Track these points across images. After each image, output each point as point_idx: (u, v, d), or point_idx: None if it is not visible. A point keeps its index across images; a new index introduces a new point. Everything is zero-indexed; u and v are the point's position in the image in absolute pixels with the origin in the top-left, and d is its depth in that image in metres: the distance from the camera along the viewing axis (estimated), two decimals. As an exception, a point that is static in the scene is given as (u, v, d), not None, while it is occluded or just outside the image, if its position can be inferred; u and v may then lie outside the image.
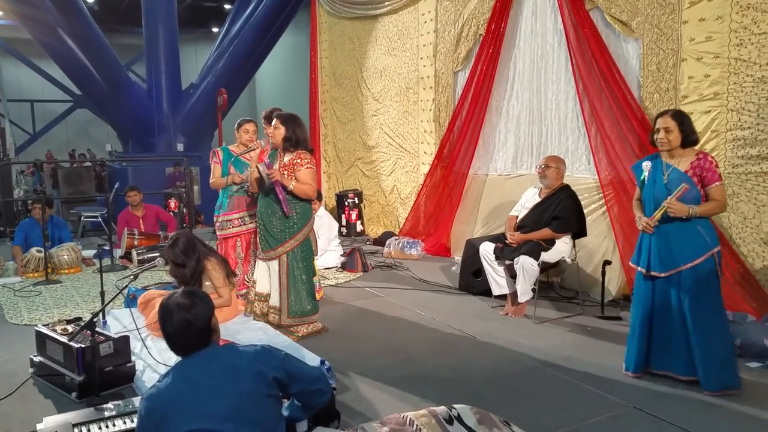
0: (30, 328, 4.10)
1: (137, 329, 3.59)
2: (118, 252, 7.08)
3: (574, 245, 4.76)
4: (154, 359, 3.38)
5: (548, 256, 4.61)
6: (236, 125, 5.02)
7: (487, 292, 5.02)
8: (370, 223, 8.68)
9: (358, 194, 8.61)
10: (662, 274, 3.28)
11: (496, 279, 4.79)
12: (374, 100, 8.38)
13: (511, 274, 4.69)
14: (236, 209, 4.91)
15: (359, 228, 8.57)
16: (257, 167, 4.19)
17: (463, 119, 6.59)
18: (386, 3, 7.91)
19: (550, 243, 4.63)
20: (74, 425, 2.54)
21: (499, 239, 4.89)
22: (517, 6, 6.04)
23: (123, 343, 3.33)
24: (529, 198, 4.91)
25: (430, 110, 7.30)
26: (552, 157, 4.89)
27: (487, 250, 4.82)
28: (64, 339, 3.29)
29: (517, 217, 4.91)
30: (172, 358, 2.40)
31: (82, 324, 3.37)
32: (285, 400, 2.36)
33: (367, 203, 8.69)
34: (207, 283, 4.01)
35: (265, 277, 4.34)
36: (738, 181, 4.23)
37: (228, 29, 13.75)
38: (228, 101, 11.58)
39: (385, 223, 8.37)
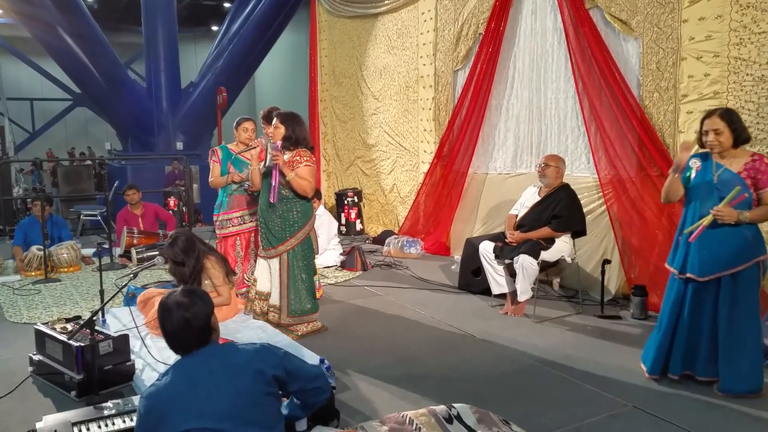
0: (29, 326, 4.10)
1: (137, 328, 3.59)
2: (118, 250, 7.08)
3: (573, 244, 4.75)
4: (153, 358, 3.38)
5: (548, 255, 4.61)
6: (235, 124, 5.01)
7: (486, 291, 5.02)
8: (370, 222, 8.68)
9: (358, 193, 8.61)
10: (701, 279, 3.12)
11: (496, 278, 4.79)
12: (374, 99, 8.38)
13: (511, 273, 4.69)
14: (236, 208, 4.91)
15: (359, 227, 8.57)
16: (267, 142, 4.18)
17: (463, 118, 6.59)
18: (386, 1, 7.90)
19: (549, 242, 4.62)
20: (73, 424, 2.54)
21: (498, 238, 4.88)
22: (516, 5, 6.03)
23: (122, 341, 3.32)
24: (529, 197, 4.91)
25: (430, 109, 7.30)
26: (551, 156, 4.89)
27: (486, 249, 4.82)
28: (63, 337, 3.29)
29: (517, 216, 4.91)
30: (172, 357, 2.40)
31: (82, 322, 3.37)
32: (284, 398, 2.36)
33: (367, 202, 8.69)
34: (206, 281, 4.01)
35: (266, 275, 4.34)
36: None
37: (227, 28, 13.76)
38: (227, 100, 11.59)
39: (384, 221, 8.37)
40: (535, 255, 4.51)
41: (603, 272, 4.68)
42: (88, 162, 14.94)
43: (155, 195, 9.88)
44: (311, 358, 3.22)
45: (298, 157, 4.12)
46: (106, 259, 6.58)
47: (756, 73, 4.07)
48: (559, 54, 5.60)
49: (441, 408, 2.26)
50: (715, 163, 3.12)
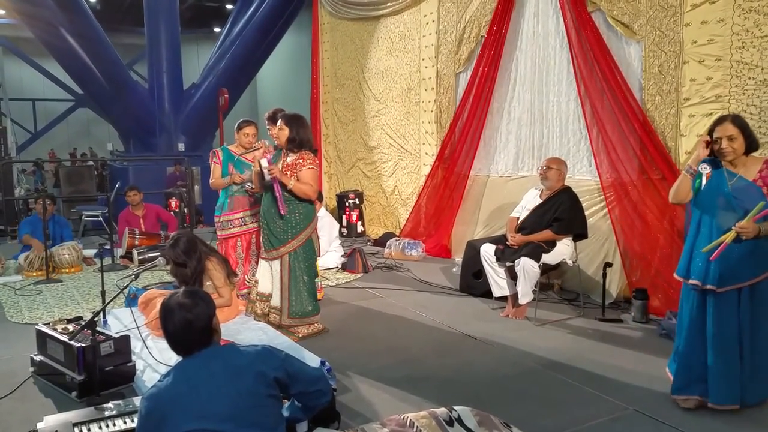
0: (30, 327, 4.10)
1: (138, 329, 3.59)
2: (119, 251, 7.09)
3: (575, 247, 4.75)
4: (154, 359, 3.38)
5: (549, 258, 4.61)
6: (236, 126, 5.02)
7: (487, 293, 5.01)
8: (371, 224, 8.68)
9: (359, 195, 8.61)
10: (719, 290, 2.94)
11: (497, 280, 4.79)
12: (376, 101, 8.38)
13: (512, 276, 4.69)
14: (237, 209, 4.92)
15: (360, 229, 8.57)
16: (259, 161, 4.20)
17: (465, 120, 6.59)
18: (388, 4, 7.91)
19: (550, 245, 4.62)
20: (74, 424, 2.54)
21: (500, 241, 4.88)
22: (518, 8, 6.04)
23: (123, 342, 3.32)
24: (530, 199, 4.91)
25: (432, 111, 7.30)
26: (553, 158, 4.89)
27: (487, 251, 4.82)
28: (64, 338, 3.29)
29: (518, 218, 4.91)
30: (173, 358, 2.40)
31: (83, 323, 3.37)
32: (285, 400, 2.36)
33: (368, 204, 8.69)
34: (208, 282, 4.01)
35: (267, 277, 4.34)
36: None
37: (230, 29, 13.77)
38: (229, 101, 11.59)
39: (385, 223, 8.37)
40: (537, 258, 4.51)
41: (604, 275, 4.67)
42: (90, 163, 14.95)
43: (157, 196, 9.87)
44: (312, 359, 3.21)
45: (301, 160, 4.13)
46: (107, 260, 6.59)
47: (758, 76, 4.07)
48: (561, 57, 5.60)
49: (442, 410, 2.26)
50: (727, 172, 2.96)
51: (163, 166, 12.33)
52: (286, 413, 2.33)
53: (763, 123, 4.06)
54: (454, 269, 6.08)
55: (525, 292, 4.54)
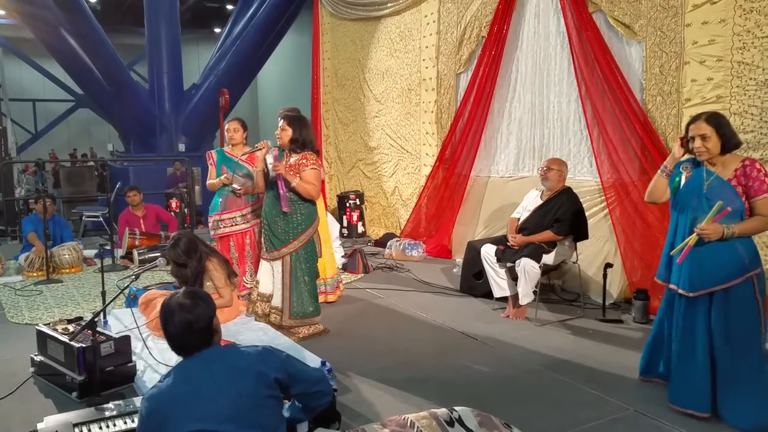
0: (31, 327, 4.10)
1: (138, 329, 3.59)
2: (119, 252, 7.09)
3: (575, 248, 4.75)
4: (155, 359, 3.38)
5: (550, 259, 4.61)
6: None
7: (488, 294, 5.01)
8: (372, 225, 8.68)
9: (360, 195, 8.61)
10: (690, 294, 2.89)
11: (498, 281, 4.79)
12: (376, 102, 8.38)
13: (513, 277, 4.69)
14: (228, 210, 4.91)
15: (360, 229, 8.57)
16: (264, 158, 4.20)
17: (465, 121, 6.59)
18: (389, 4, 7.91)
19: (551, 245, 4.62)
20: (75, 425, 2.54)
21: (500, 241, 4.88)
22: (519, 8, 6.04)
23: (124, 342, 3.32)
24: (531, 200, 4.91)
25: (432, 112, 7.30)
26: (554, 159, 4.88)
27: (488, 252, 4.81)
28: (65, 338, 3.29)
29: (519, 219, 4.91)
30: (173, 359, 2.40)
31: (83, 324, 3.36)
32: (286, 401, 2.35)
33: (369, 204, 8.69)
34: (208, 283, 4.01)
35: (268, 277, 4.33)
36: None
37: (230, 30, 13.77)
38: (230, 102, 11.59)
39: (386, 224, 8.36)
40: (537, 258, 4.51)
41: (605, 276, 4.67)
42: (91, 163, 14.95)
43: (157, 196, 9.87)
44: (313, 360, 3.21)
45: (304, 161, 4.12)
46: (107, 261, 6.59)
47: (759, 77, 4.06)
48: (562, 57, 5.60)
49: (442, 411, 2.25)
50: (706, 170, 2.90)
51: (164, 167, 12.33)
52: (286, 414, 2.33)
53: (764, 123, 4.05)
54: (454, 270, 6.08)
55: (525, 293, 4.54)
